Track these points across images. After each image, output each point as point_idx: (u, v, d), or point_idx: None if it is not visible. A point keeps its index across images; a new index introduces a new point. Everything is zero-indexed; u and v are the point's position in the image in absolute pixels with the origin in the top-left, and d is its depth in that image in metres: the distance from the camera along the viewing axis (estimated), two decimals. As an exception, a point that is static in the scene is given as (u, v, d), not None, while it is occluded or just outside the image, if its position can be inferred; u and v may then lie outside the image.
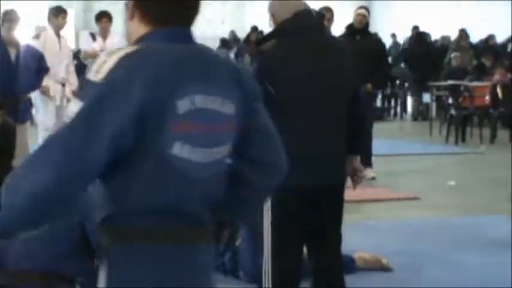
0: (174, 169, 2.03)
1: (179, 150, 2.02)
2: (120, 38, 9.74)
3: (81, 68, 10.35)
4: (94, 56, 9.35)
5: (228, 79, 2.14)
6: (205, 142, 2.07)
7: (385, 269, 5.36)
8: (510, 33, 18.54)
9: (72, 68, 9.27)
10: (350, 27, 8.92)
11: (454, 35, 19.08)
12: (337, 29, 8.68)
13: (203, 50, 2.16)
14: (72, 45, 16.83)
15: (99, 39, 9.53)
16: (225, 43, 21.07)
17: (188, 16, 2.14)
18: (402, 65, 17.70)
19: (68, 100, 9.26)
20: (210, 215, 2.12)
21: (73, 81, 9.20)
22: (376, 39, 9.39)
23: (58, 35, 9.10)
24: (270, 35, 3.69)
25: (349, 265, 5.18)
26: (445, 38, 19.04)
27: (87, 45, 9.64)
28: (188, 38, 2.14)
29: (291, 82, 3.54)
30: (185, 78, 2.05)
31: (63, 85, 9.06)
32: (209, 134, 2.07)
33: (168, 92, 2.01)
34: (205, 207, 2.11)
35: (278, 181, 2.28)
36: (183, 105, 2.02)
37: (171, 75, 2.02)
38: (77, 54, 12.69)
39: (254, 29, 18.64)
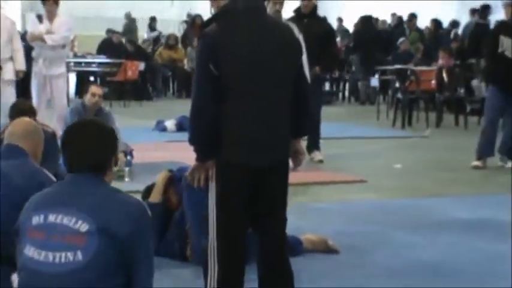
0: None
1: None
2: (66, 20, 9.63)
3: (27, 50, 10.19)
4: (40, 38, 9.23)
5: None
6: None
7: (331, 250, 5.42)
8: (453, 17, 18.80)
9: (17, 45, 9.05)
10: (298, 11, 8.94)
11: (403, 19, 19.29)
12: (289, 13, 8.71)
13: None
14: (18, 28, 16.54)
15: (45, 21, 9.40)
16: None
17: None
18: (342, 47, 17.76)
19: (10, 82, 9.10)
20: None
21: (18, 58, 9.00)
22: (324, 23, 9.41)
23: None
24: (213, 18, 3.69)
25: (296, 247, 5.22)
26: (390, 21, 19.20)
27: (33, 27, 9.49)
28: None
29: (233, 63, 3.55)
30: None
31: None
32: None
33: None
34: None
35: None
36: None
37: None
38: (23, 36, 12.50)
39: (198, 15, 18.70)
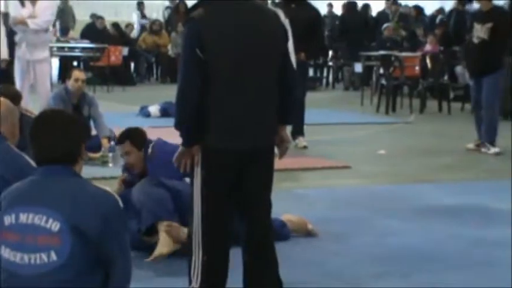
0: None
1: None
2: (49, 3, 9.54)
3: (10, 35, 10.10)
4: (23, 22, 9.15)
5: None
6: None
7: (311, 234, 5.44)
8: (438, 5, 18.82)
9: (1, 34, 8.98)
10: (286, -5, 8.91)
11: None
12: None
13: None
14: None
15: (28, 4, 9.31)
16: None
17: None
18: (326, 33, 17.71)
19: None
20: None
21: (1, 48, 8.92)
22: (311, 8, 9.39)
23: None
24: (199, 3, 3.69)
25: (282, 231, 5.23)
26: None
27: (15, 11, 9.39)
28: None
29: (219, 49, 3.55)
30: None
31: None
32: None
33: None
34: None
35: None
36: None
37: None
38: (6, 21, 12.36)
39: (181, 1, 18.54)
